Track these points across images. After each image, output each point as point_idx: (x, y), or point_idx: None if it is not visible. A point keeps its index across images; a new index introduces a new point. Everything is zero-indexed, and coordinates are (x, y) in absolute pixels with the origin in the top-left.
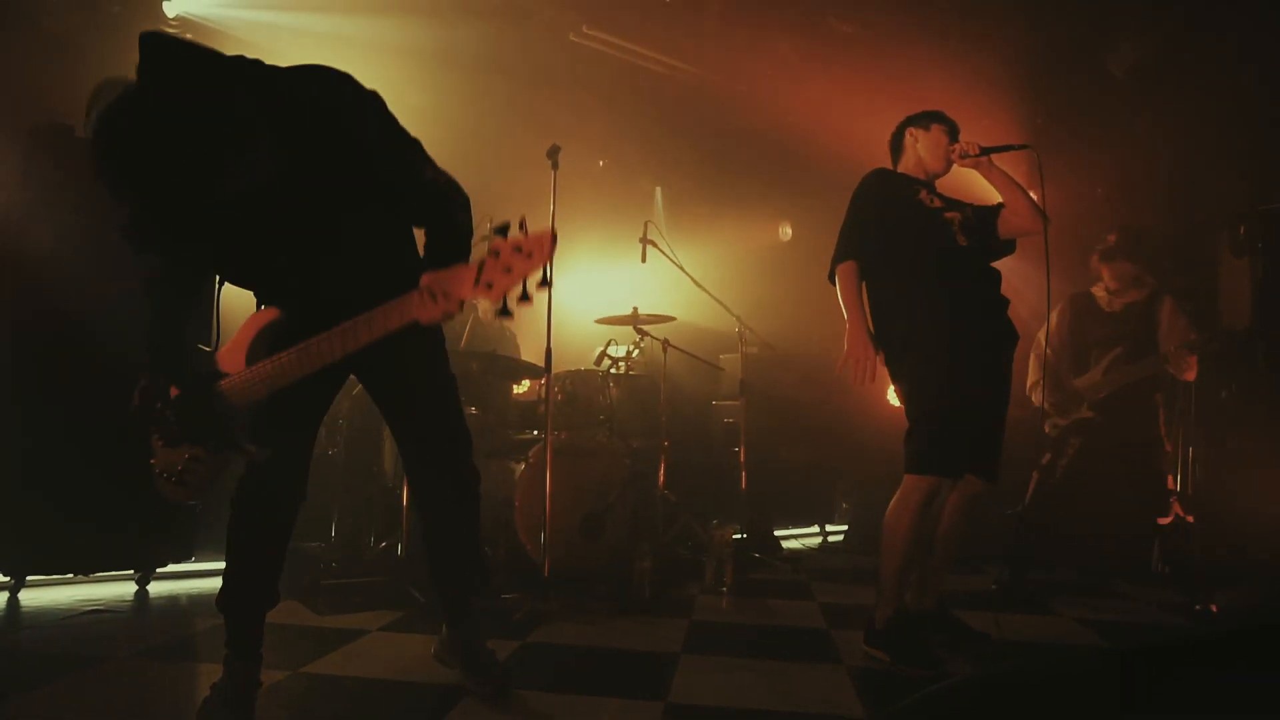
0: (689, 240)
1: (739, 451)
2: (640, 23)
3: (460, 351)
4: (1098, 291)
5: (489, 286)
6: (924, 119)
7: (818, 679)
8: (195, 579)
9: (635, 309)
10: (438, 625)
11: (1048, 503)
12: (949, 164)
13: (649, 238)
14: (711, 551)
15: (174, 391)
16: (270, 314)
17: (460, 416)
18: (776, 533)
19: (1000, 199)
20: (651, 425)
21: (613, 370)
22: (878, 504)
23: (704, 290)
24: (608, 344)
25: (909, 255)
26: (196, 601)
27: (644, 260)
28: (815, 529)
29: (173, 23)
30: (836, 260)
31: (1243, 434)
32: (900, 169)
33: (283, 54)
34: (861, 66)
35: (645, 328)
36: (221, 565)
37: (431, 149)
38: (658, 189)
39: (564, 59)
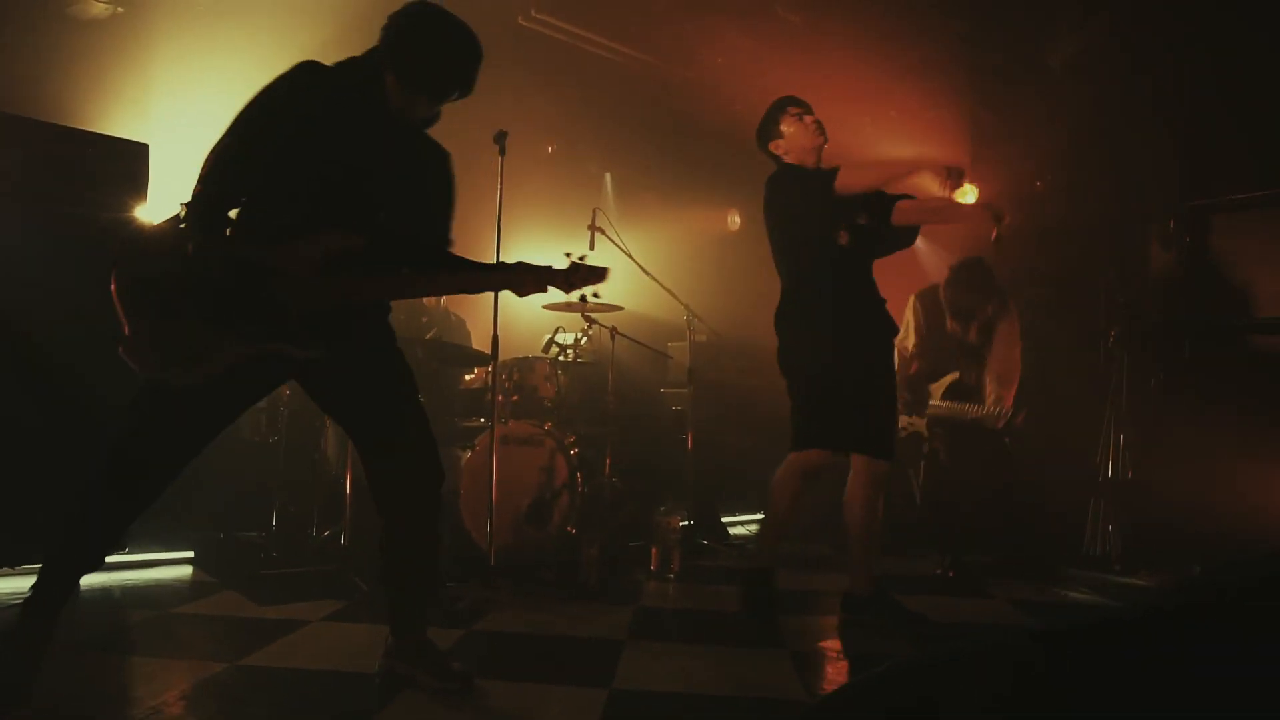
0: (638, 227)
1: (686, 439)
2: (590, 8)
3: (406, 339)
4: (942, 296)
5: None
6: (771, 125)
7: (761, 664)
8: (129, 570)
9: (583, 295)
10: (381, 617)
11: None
12: (820, 137)
13: (597, 225)
14: (658, 538)
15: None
16: (356, 237)
17: (425, 418)
18: (724, 519)
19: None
20: (599, 413)
21: (560, 358)
22: (822, 490)
23: (652, 278)
24: (556, 331)
25: (807, 249)
26: (130, 593)
27: (592, 247)
28: (761, 515)
29: None
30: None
31: (1171, 421)
32: None
33: (230, 14)
34: (809, 57)
35: (593, 315)
36: (157, 556)
37: None
38: (607, 175)
39: (513, 43)
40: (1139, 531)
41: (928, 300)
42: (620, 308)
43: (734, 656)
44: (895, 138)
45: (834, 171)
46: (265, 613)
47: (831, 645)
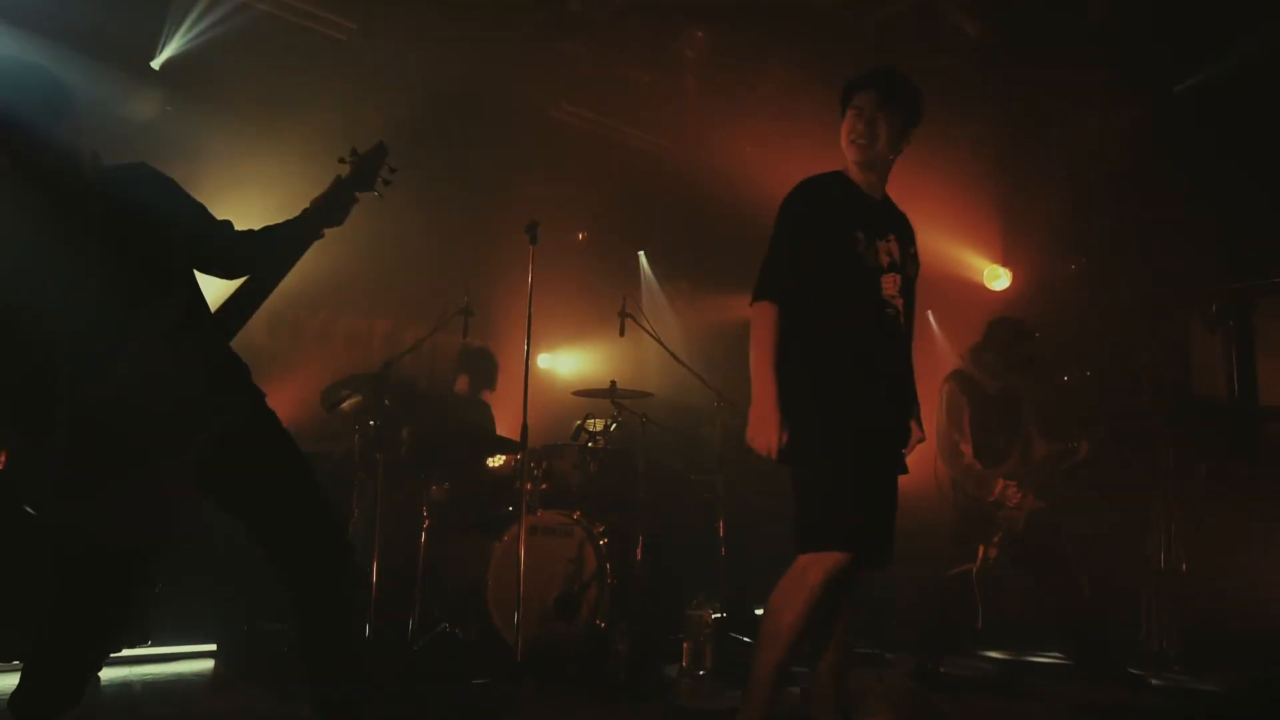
0: (669, 313)
1: (718, 527)
2: (619, 99)
3: (434, 426)
4: (975, 372)
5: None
6: (848, 92)
7: None
8: (151, 664)
9: (613, 382)
10: (407, 715)
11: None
12: (856, 149)
13: (628, 312)
14: (690, 632)
15: None
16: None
17: (320, 493)
18: (758, 611)
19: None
20: (629, 501)
21: (590, 445)
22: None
23: (682, 364)
24: (585, 418)
25: (833, 313)
26: (152, 688)
27: (622, 334)
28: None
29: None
30: (757, 295)
31: (1221, 510)
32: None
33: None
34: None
35: (623, 402)
36: (179, 649)
37: (409, 225)
38: (641, 253)
39: (544, 136)
40: (1196, 626)
41: (963, 380)
42: (650, 394)
43: None
44: (928, 223)
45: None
46: (286, 709)
47: None
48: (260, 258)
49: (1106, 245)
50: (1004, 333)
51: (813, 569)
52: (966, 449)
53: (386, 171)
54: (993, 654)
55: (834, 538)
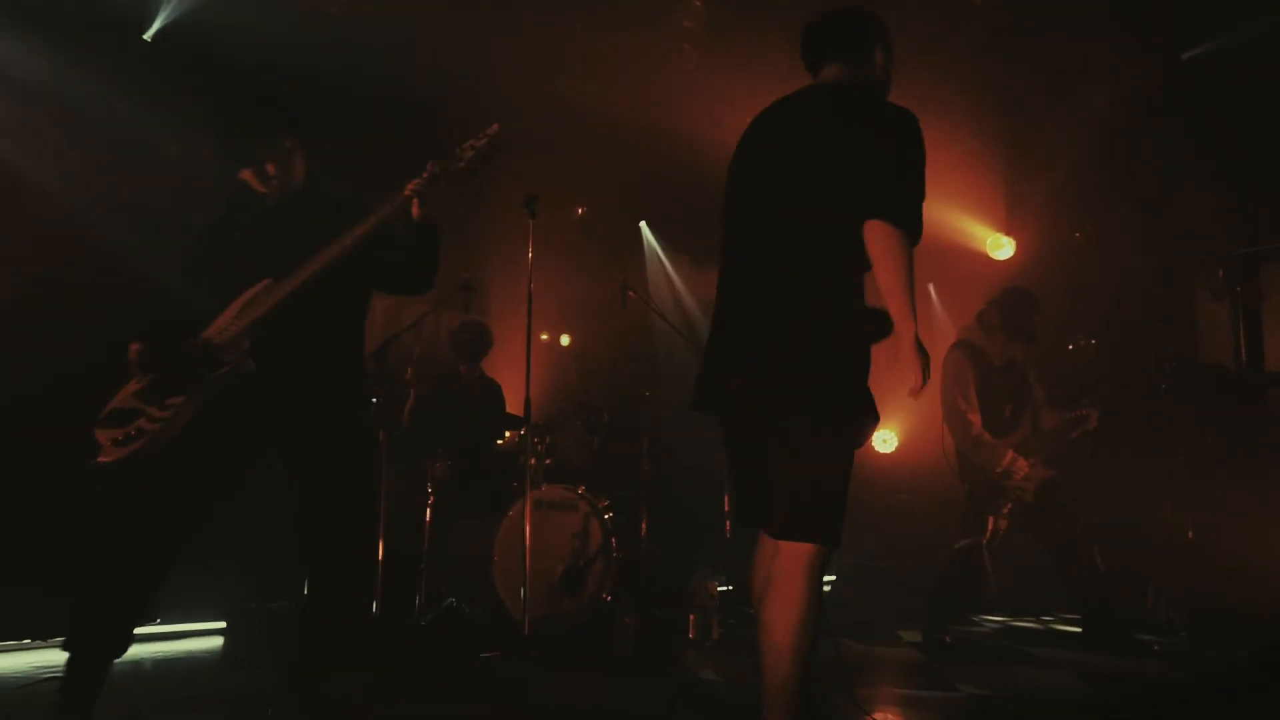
0: (678, 279)
1: (723, 501)
2: (619, 73)
3: (440, 409)
4: (981, 342)
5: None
6: (880, 39)
7: None
8: (160, 642)
9: (616, 356)
10: (414, 691)
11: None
12: None
13: (629, 285)
14: (696, 605)
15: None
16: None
17: (361, 485)
18: None
19: None
20: (634, 476)
21: (593, 420)
22: (860, 552)
23: (684, 337)
24: (589, 393)
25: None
26: (162, 667)
27: (624, 307)
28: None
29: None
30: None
31: (1227, 478)
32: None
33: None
34: None
35: (626, 376)
36: (191, 627)
37: None
38: (643, 224)
39: (543, 109)
40: (1202, 594)
41: (968, 350)
42: (653, 368)
43: None
44: (931, 193)
45: None
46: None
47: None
48: (433, 271)
49: (1111, 213)
50: (1013, 301)
51: (814, 560)
52: (975, 419)
53: (477, 158)
54: (999, 621)
55: (837, 533)
